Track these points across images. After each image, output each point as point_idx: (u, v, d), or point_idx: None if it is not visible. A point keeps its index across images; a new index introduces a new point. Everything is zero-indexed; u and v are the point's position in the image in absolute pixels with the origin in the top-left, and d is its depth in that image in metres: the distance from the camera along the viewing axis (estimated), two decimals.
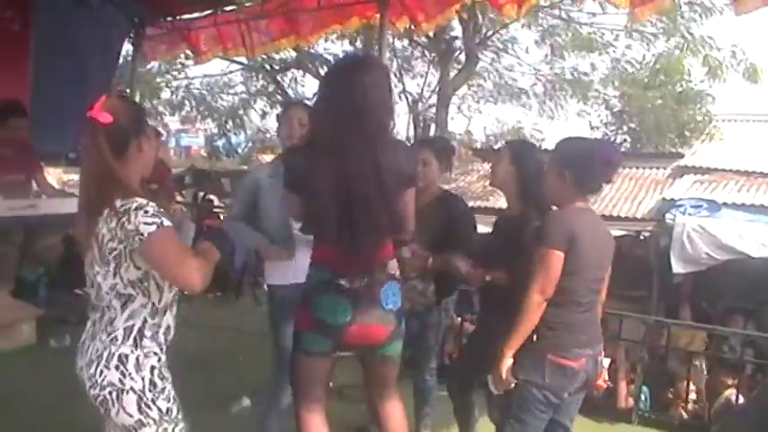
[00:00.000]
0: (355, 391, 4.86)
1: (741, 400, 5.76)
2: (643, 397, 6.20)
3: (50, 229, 5.94)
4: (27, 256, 6.27)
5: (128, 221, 2.42)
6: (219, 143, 22.62)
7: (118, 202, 2.45)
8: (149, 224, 2.42)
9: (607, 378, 6.49)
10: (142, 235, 2.41)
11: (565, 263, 3.14)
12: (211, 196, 16.09)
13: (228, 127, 19.85)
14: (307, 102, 4.62)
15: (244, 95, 20.31)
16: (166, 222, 2.46)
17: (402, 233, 3.21)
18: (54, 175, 11.26)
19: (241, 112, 19.95)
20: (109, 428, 2.61)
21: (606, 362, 6.68)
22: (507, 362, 3.22)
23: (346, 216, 2.93)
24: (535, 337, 3.20)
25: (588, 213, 3.36)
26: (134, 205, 2.44)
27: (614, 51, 14.90)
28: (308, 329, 3.12)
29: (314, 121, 3.27)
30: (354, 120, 2.93)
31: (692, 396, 6.40)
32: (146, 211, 2.43)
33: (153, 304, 2.54)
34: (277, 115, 4.38)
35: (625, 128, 19.25)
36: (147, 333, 2.55)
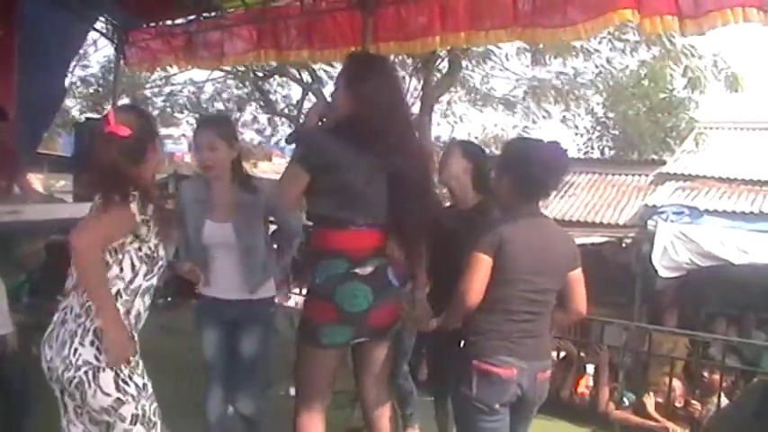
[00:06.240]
0: (341, 396, 4.83)
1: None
2: (626, 401, 6.22)
3: (33, 235, 5.88)
4: (9, 262, 6.20)
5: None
6: None
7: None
8: None
9: (590, 384, 6.60)
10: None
11: (493, 270, 3.00)
12: None
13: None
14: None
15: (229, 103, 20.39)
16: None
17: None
18: (39, 181, 11.18)
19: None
20: (71, 422, 2.71)
21: (590, 368, 6.73)
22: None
23: (396, 199, 3.12)
24: (462, 342, 3.15)
25: (530, 219, 3.15)
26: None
27: (598, 57, 14.84)
28: (328, 322, 3.15)
29: (357, 108, 3.15)
30: (394, 112, 3.16)
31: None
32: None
33: (125, 281, 2.63)
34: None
35: (609, 135, 19.36)
36: (120, 308, 2.60)
